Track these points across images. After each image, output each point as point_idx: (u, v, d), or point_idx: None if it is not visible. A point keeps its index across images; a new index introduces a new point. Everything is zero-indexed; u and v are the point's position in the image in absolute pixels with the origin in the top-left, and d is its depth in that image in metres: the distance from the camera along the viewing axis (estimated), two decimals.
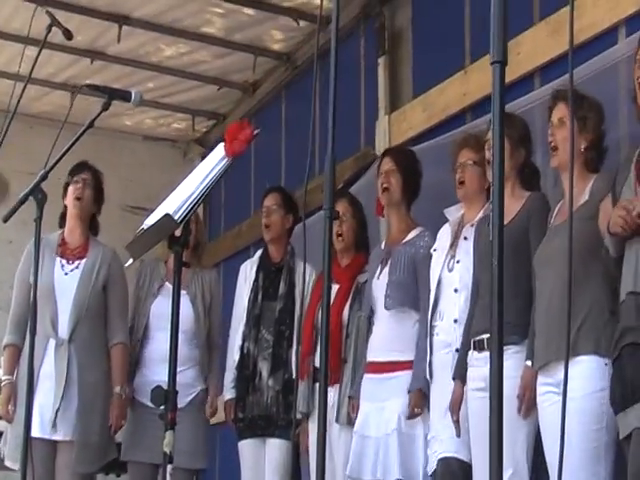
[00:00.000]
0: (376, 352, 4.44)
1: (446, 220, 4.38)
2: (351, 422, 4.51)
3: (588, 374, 3.36)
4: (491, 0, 1.83)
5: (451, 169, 4.31)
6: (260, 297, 5.16)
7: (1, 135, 4.19)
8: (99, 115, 3.56)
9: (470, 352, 3.87)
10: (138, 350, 5.05)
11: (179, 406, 4.80)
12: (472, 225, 4.16)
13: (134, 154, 8.07)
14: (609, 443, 3.35)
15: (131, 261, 3.30)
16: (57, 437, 4.71)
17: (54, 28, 4.51)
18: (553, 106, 3.73)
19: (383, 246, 4.66)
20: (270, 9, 6.27)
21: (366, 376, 4.46)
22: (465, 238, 4.17)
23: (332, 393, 4.66)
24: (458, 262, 4.13)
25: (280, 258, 5.25)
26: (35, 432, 4.57)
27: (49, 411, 4.66)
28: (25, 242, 4.86)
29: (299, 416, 4.85)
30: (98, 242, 5.02)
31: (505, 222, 3.80)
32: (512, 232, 3.79)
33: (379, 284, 4.48)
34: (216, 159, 3.06)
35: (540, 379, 3.55)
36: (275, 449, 4.96)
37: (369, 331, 4.51)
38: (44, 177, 3.64)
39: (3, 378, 4.86)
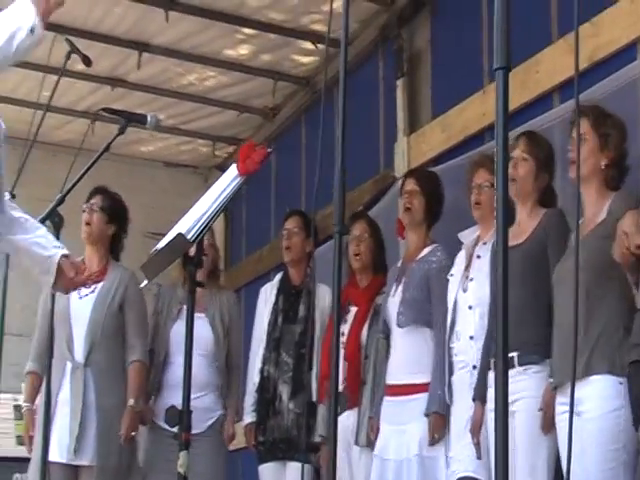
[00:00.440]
0: (395, 375, 4.41)
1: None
2: (371, 444, 4.47)
3: (603, 394, 3.34)
4: (495, 8, 1.83)
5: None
6: (280, 320, 5.14)
7: (21, 163, 4.22)
8: (115, 139, 3.58)
9: (490, 372, 3.83)
10: (159, 375, 5.03)
11: (198, 431, 4.90)
12: (485, 244, 4.16)
13: (155, 181, 8.11)
14: (627, 462, 3.31)
15: (146, 282, 3.29)
16: (78, 462, 4.69)
17: (73, 55, 4.55)
18: (575, 121, 3.70)
19: (399, 264, 4.64)
20: (289, 34, 6.29)
21: (386, 399, 4.43)
22: (478, 257, 4.16)
23: (351, 416, 4.64)
24: (472, 280, 4.12)
25: (300, 281, 5.23)
26: (54, 457, 4.58)
27: (67, 436, 4.64)
28: None
29: (319, 439, 4.81)
30: (118, 265, 5.02)
31: (521, 240, 3.83)
32: (529, 250, 3.77)
33: (393, 302, 4.47)
34: (229, 179, 3.07)
35: (558, 398, 3.51)
36: (296, 472, 4.92)
37: (387, 352, 4.48)
38: (61, 201, 3.66)
39: (23, 405, 4.89)
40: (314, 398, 4.86)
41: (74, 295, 4.86)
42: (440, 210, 4.64)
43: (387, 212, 5.51)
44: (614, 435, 3.31)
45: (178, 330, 5.00)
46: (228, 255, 8.26)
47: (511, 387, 3.61)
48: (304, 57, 6.65)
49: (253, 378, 5.13)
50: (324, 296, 5.08)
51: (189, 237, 2.96)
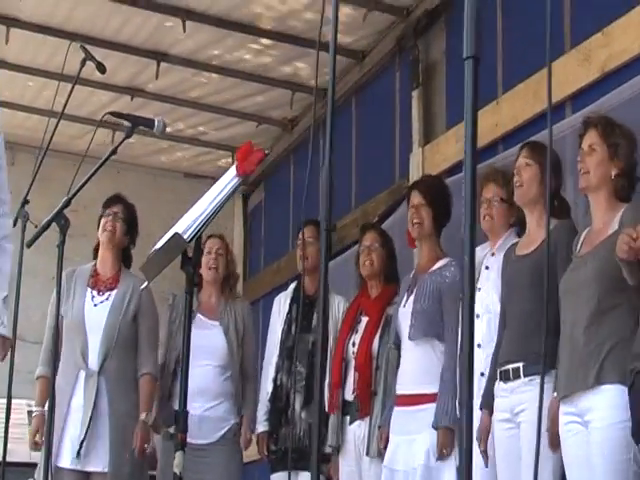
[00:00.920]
0: (404, 385, 4.40)
1: None
2: (381, 454, 4.46)
3: (613, 403, 3.28)
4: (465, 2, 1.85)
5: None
6: (294, 329, 5.15)
7: (34, 172, 4.24)
8: (122, 142, 3.60)
9: (497, 382, 3.82)
10: (171, 383, 5.05)
11: (212, 440, 4.91)
12: (493, 254, 4.16)
13: (175, 191, 8.12)
14: (638, 473, 3.26)
15: (146, 283, 3.31)
16: (89, 468, 4.69)
17: (90, 63, 4.57)
18: (584, 133, 3.68)
19: (412, 274, 4.63)
20: (307, 44, 6.32)
21: (396, 409, 4.41)
22: (487, 267, 4.16)
23: (362, 426, 4.63)
24: (479, 290, 4.10)
25: (314, 291, 5.22)
26: (66, 463, 4.61)
27: (78, 443, 4.66)
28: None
29: (329, 450, 4.81)
30: (130, 273, 5.03)
31: (530, 250, 3.81)
32: (538, 261, 3.74)
33: (405, 312, 4.46)
34: (227, 179, 3.08)
35: (562, 409, 3.47)
36: None
37: (398, 362, 4.47)
38: (67, 203, 3.68)
39: (34, 409, 4.90)
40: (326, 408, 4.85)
41: (88, 302, 4.89)
42: (449, 214, 4.59)
43: (402, 222, 5.50)
44: (624, 446, 3.26)
45: (191, 339, 5.01)
46: (247, 266, 8.29)
47: (517, 398, 3.67)
48: (321, 68, 6.65)
49: (266, 387, 5.14)
50: (338, 306, 5.09)
51: (186, 237, 2.97)
